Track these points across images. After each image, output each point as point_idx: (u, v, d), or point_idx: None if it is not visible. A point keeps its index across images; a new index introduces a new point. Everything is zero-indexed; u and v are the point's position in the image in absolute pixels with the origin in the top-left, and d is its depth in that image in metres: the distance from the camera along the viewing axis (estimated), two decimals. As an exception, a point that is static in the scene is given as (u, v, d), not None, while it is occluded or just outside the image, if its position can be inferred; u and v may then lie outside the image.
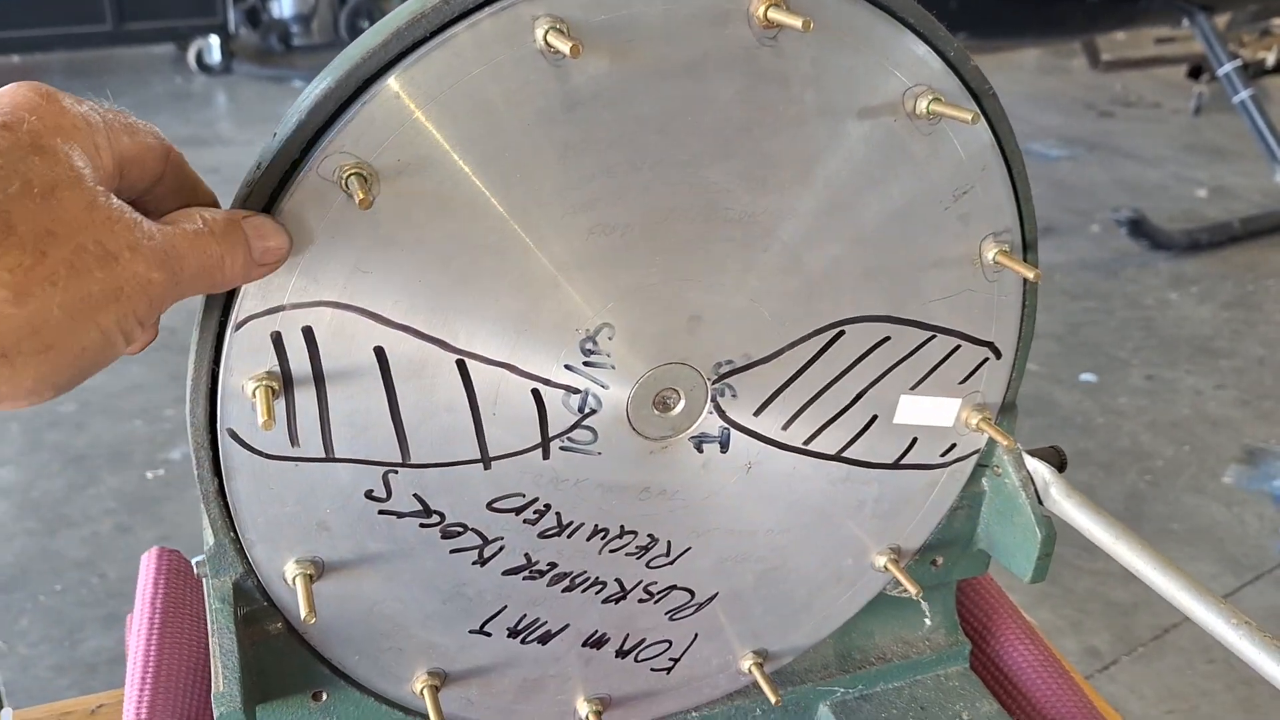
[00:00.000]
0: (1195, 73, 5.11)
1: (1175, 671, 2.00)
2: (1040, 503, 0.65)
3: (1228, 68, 3.79)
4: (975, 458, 0.67)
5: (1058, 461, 0.66)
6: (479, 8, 0.46)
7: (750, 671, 0.67)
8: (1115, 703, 1.97)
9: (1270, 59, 4.91)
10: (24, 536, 2.26)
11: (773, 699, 0.65)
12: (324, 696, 0.60)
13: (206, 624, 0.76)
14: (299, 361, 0.50)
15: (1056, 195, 4.24)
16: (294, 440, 0.52)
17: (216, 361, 0.50)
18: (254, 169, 0.47)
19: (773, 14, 0.49)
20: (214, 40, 5.21)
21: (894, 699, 0.71)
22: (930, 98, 0.54)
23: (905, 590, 0.66)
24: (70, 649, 2.01)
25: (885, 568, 0.67)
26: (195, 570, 0.54)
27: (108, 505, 2.37)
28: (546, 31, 0.46)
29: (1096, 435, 2.73)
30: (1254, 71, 4.75)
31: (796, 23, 0.48)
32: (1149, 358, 3.11)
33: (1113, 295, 3.48)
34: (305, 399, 0.51)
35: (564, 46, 0.46)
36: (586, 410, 0.56)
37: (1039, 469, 0.65)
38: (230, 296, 0.49)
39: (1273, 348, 3.19)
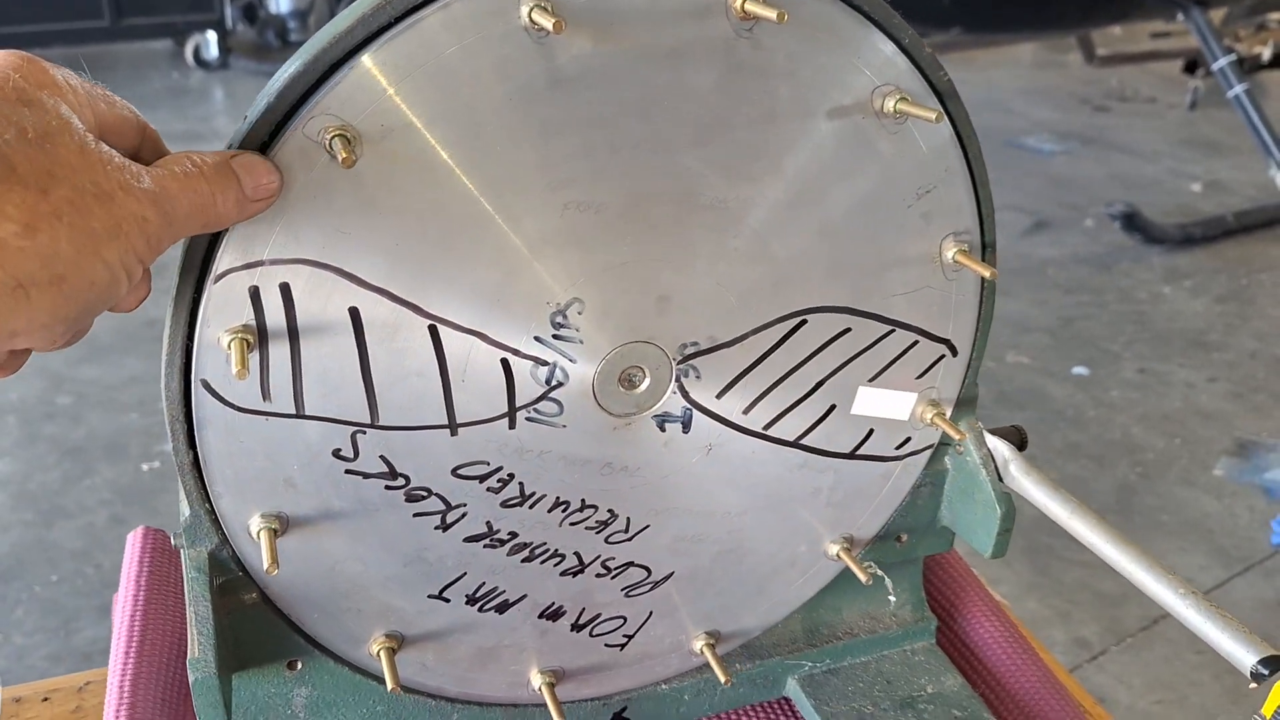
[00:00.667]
0: (1191, 67, 5.12)
1: (1164, 661, 2.01)
2: (1000, 480, 0.67)
3: (1222, 62, 3.79)
4: (928, 453, 0.68)
5: (1018, 440, 0.67)
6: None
7: (702, 652, 0.69)
8: (1104, 693, 1.99)
9: (1266, 53, 4.92)
10: (20, 528, 2.28)
11: (722, 679, 0.66)
12: (299, 666, 0.62)
13: (189, 601, 0.78)
14: (275, 317, 0.51)
15: (1051, 190, 4.25)
16: (266, 395, 0.53)
17: (194, 313, 0.51)
18: (240, 124, 0.49)
19: (749, 5, 0.51)
20: (211, 36, 5.22)
21: (861, 673, 0.73)
22: (897, 97, 0.56)
23: (860, 578, 0.68)
24: (65, 639, 2.02)
25: (838, 556, 0.68)
26: (173, 541, 0.55)
27: (103, 496, 2.38)
28: (531, 9, 0.48)
29: (1088, 428, 2.75)
30: (1249, 66, 4.76)
31: (771, 14, 0.49)
32: (1141, 351, 3.12)
33: (1106, 289, 3.49)
34: (279, 355, 0.52)
35: (547, 23, 0.47)
36: (554, 383, 0.58)
37: (999, 447, 0.67)
38: (210, 250, 0.50)
39: (1265, 341, 3.20)
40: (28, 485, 2.41)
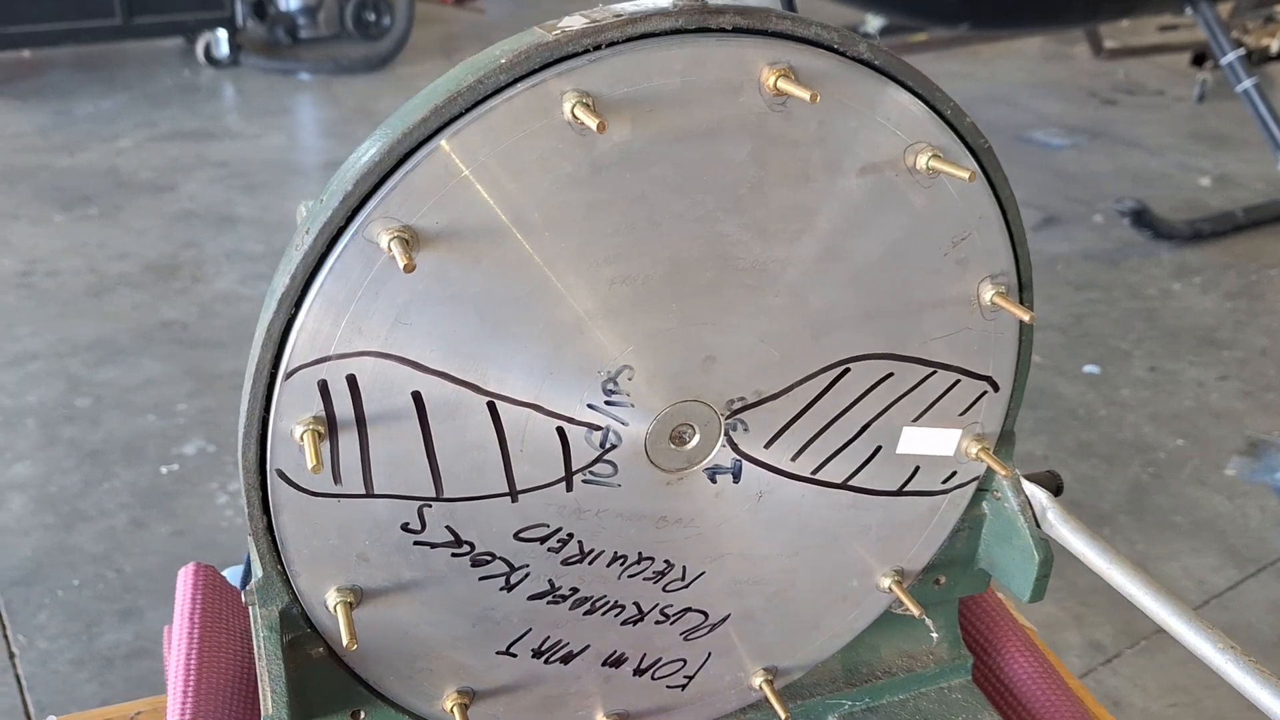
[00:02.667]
0: (1199, 60, 5.10)
1: (1178, 665, 2.03)
2: (1038, 526, 0.69)
3: (1231, 57, 3.79)
4: (975, 484, 0.70)
5: (1054, 486, 0.69)
6: (514, 83, 0.50)
7: (761, 688, 0.71)
8: (1118, 696, 2.00)
9: (1274, 46, 4.91)
10: (41, 531, 2.29)
11: (782, 715, 0.69)
12: (362, 715, 0.64)
13: (241, 638, 0.80)
14: (343, 406, 0.54)
15: (1059, 184, 4.25)
16: (337, 479, 0.55)
17: (267, 408, 0.53)
18: (302, 233, 0.51)
19: (782, 84, 0.53)
20: (221, 34, 5.22)
21: (899, 711, 0.75)
22: (929, 154, 0.58)
23: (909, 609, 0.70)
24: (88, 643, 2.03)
25: (889, 588, 0.70)
26: (244, 599, 0.57)
27: (123, 500, 2.39)
28: (574, 105, 0.50)
29: (1099, 427, 2.76)
30: (1258, 59, 4.76)
31: (804, 94, 0.51)
32: (1152, 349, 3.13)
33: (1115, 286, 3.49)
34: (348, 441, 0.55)
35: (591, 123, 0.49)
36: (607, 445, 0.60)
37: (1036, 494, 0.68)
38: (280, 348, 0.52)
39: (1276, 338, 3.20)
40: (48, 488, 2.42)
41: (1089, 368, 3.01)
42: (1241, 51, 3.85)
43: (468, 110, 0.50)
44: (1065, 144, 4.68)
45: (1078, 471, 2.58)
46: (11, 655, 2.03)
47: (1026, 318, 0.62)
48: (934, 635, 0.76)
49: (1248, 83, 3.74)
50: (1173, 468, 2.60)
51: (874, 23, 4.51)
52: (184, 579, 0.84)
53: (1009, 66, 5.72)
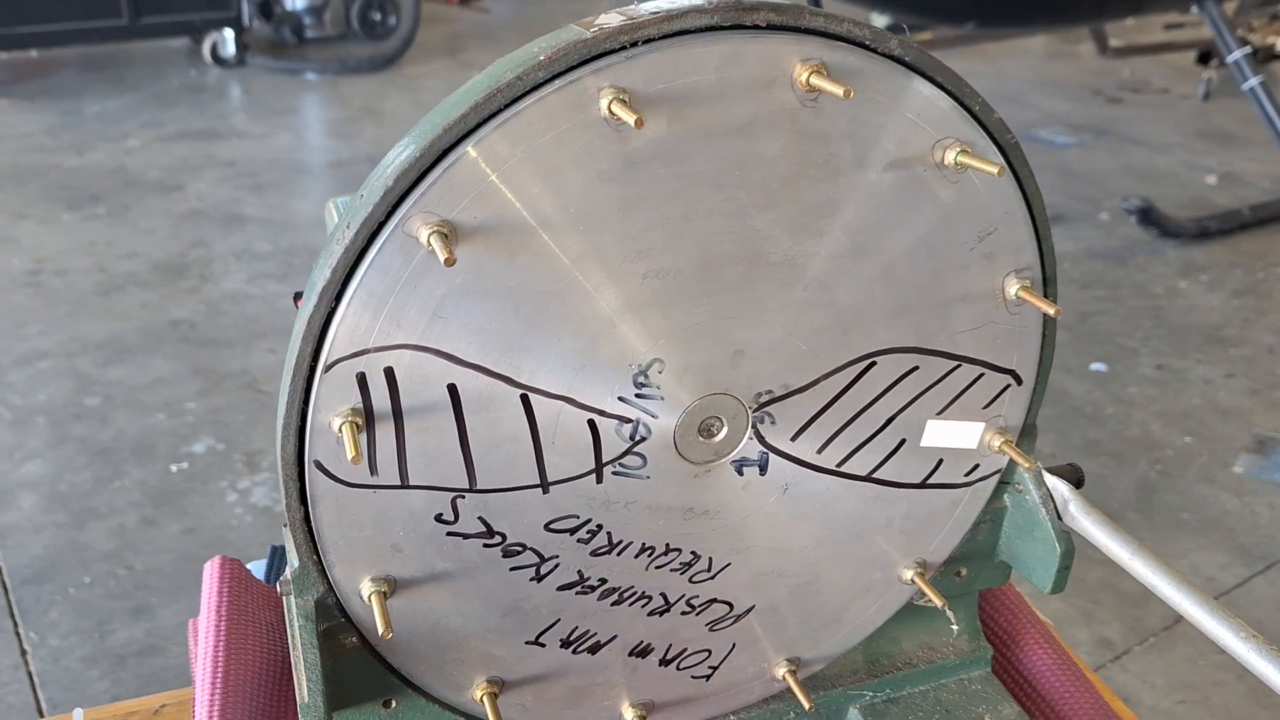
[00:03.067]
0: (1205, 58, 5.12)
1: (1186, 661, 2.03)
2: (1059, 518, 0.69)
3: (1237, 55, 3.79)
4: (997, 477, 0.71)
5: (1075, 479, 0.70)
6: (549, 81, 0.50)
7: (784, 679, 0.72)
8: (1127, 693, 2.01)
9: (1280, 44, 4.92)
10: (52, 529, 2.30)
11: (806, 705, 0.70)
12: (393, 704, 0.65)
13: (268, 631, 0.81)
14: (380, 399, 0.55)
15: (1065, 183, 4.26)
16: (373, 470, 0.56)
17: (306, 401, 0.54)
18: (342, 227, 0.52)
19: (814, 80, 0.53)
20: (228, 33, 5.24)
21: (920, 702, 0.76)
22: (958, 149, 0.59)
23: (930, 601, 0.70)
24: (99, 640, 2.04)
25: (912, 580, 0.71)
26: (279, 589, 0.58)
27: (133, 498, 2.40)
28: (610, 101, 0.51)
29: (1107, 425, 2.77)
30: (1264, 57, 4.76)
31: (838, 90, 0.52)
32: (1159, 347, 3.14)
33: (1122, 284, 3.50)
34: (385, 433, 0.56)
35: (629, 118, 0.50)
36: (637, 438, 0.61)
37: (1058, 486, 0.69)
38: (320, 341, 0.53)
39: (1282, 336, 3.22)
40: (59, 487, 2.44)
41: (1096, 366, 3.02)
42: (1247, 49, 3.85)
43: (506, 106, 0.51)
44: (1071, 142, 4.69)
45: (1086, 469, 2.55)
46: (24, 652, 2.04)
47: (1052, 311, 0.63)
48: (954, 627, 0.76)
49: (1253, 80, 3.75)
50: (1180, 465, 2.61)
51: (879, 21, 4.52)
52: (210, 572, 0.84)
53: (1015, 65, 5.73)
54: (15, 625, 2.09)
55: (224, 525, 2.34)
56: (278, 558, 0.98)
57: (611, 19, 0.51)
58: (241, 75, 5.27)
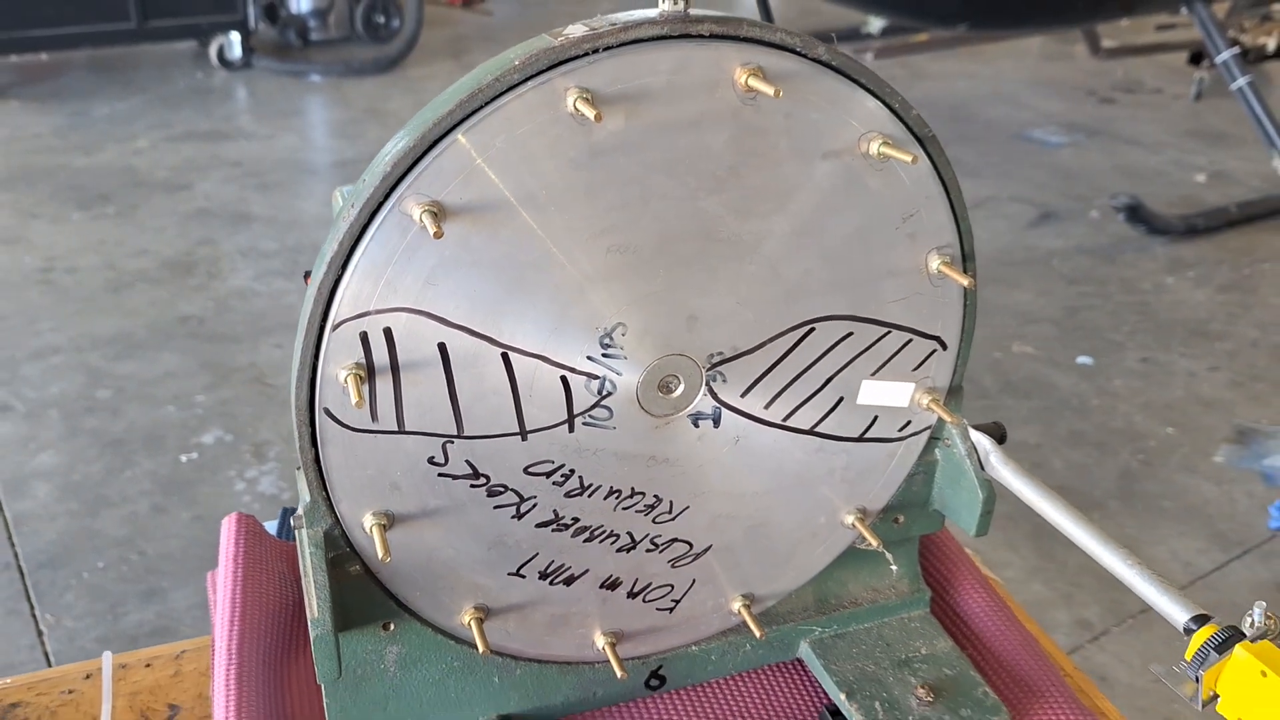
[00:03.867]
0: (1196, 59, 5.17)
1: (1163, 642, 2.09)
2: (982, 469, 0.78)
3: (1225, 55, 3.86)
4: (928, 432, 0.80)
5: (998, 434, 0.78)
6: (523, 82, 0.60)
7: (739, 612, 0.80)
8: (1104, 672, 2.07)
9: (1271, 44, 4.98)
10: (66, 517, 2.37)
11: (757, 634, 0.78)
12: (392, 626, 0.74)
13: (280, 581, 0.89)
14: (380, 355, 0.64)
15: (1057, 182, 4.32)
16: (374, 417, 0.65)
17: (316, 356, 0.63)
18: (348, 208, 0.60)
19: (752, 82, 0.62)
20: (234, 36, 5.32)
21: (864, 638, 0.85)
22: (880, 142, 0.67)
23: (870, 544, 0.79)
24: (113, 622, 2.12)
25: (853, 525, 0.80)
26: (292, 522, 0.67)
27: (144, 487, 2.47)
28: (575, 99, 0.60)
29: (1092, 416, 2.83)
30: (1254, 57, 4.83)
31: (769, 90, 0.61)
32: (1144, 341, 3.20)
33: (1110, 280, 3.56)
34: (384, 385, 0.65)
35: (590, 114, 0.59)
36: (604, 393, 0.69)
37: (981, 440, 0.78)
38: (328, 304, 0.62)
39: (1266, 330, 3.27)
40: (72, 476, 2.50)
41: (1082, 359, 3.08)
42: (1236, 50, 3.91)
43: (487, 104, 0.60)
44: (1064, 142, 4.76)
45: (1070, 459, 2.65)
46: (40, 633, 2.11)
47: (966, 283, 0.72)
48: (893, 569, 0.85)
49: (1242, 81, 3.81)
50: (1163, 455, 2.67)
51: (875, 23, 4.60)
52: (228, 526, 0.93)
53: (1010, 66, 5.80)
54: (32, 608, 2.16)
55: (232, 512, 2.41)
56: (289, 517, 1.07)
57: (577, 29, 0.60)
58: (247, 77, 5.35)
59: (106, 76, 5.25)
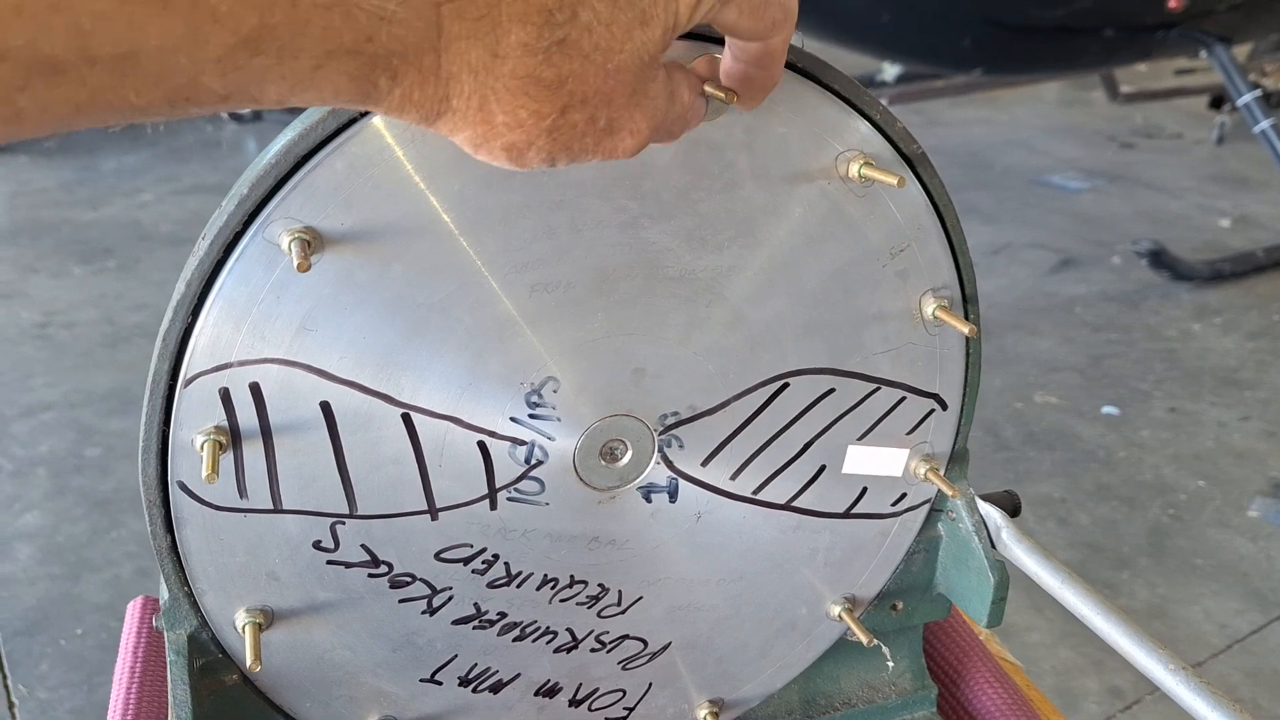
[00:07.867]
0: (1217, 103, 5.11)
1: (1197, 711, 1.97)
2: (993, 547, 0.66)
3: (1247, 98, 3.78)
4: (927, 506, 0.67)
5: (1011, 506, 0.66)
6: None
7: None
8: (1138, 743, 1.94)
9: (1294, 88, 4.90)
10: (46, 581, 2.29)
11: None
12: (282, 745, 0.61)
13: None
14: (246, 416, 0.52)
15: (1078, 227, 4.23)
16: (242, 492, 0.54)
17: (167, 419, 0.52)
18: (200, 239, 0.50)
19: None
20: (243, 89, 5.32)
21: (859, 744, 0.72)
22: (861, 162, 0.56)
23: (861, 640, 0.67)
24: (89, 693, 2.02)
25: (840, 617, 0.68)
26: (154, 624, 0.56)
27: (129, 549, 2.38)
28: None
29: (1118, 469, 2.72)
30: (1276, 100, 4.74)
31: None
32: (1172, 390, 3.09)
33: (1134, 327, 3.46)
34: (253, 452, 0.53)
35: None
36: (533, 461, 0.58)
37: (991, 514, 0.66)
38: (179, 355, 0.51)
39: (1299, 378, 3.17)
40: (55, 538, 2.43)
41: (1108, 409, 2.97)
42: (1258, 92, 3.83)
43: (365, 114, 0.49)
44: (1084, 187, 4.67)
45: (1097, 515, 2.54)
46: (11, 705, 2.02)
47: (967, 330, 0.60)
48: (890, 665, 0.73)
49: (1265, 123, 3.73)
50: (1194, 509, 2.56)
51: (890, 70, 4.54)
52: (131, 612, 0.82)
53: (1027, 112, 5.74)
54: (4, 678, 2.08)
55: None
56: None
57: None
58: (257, 130, 5.34)
59: (115, 131, 5.25)
